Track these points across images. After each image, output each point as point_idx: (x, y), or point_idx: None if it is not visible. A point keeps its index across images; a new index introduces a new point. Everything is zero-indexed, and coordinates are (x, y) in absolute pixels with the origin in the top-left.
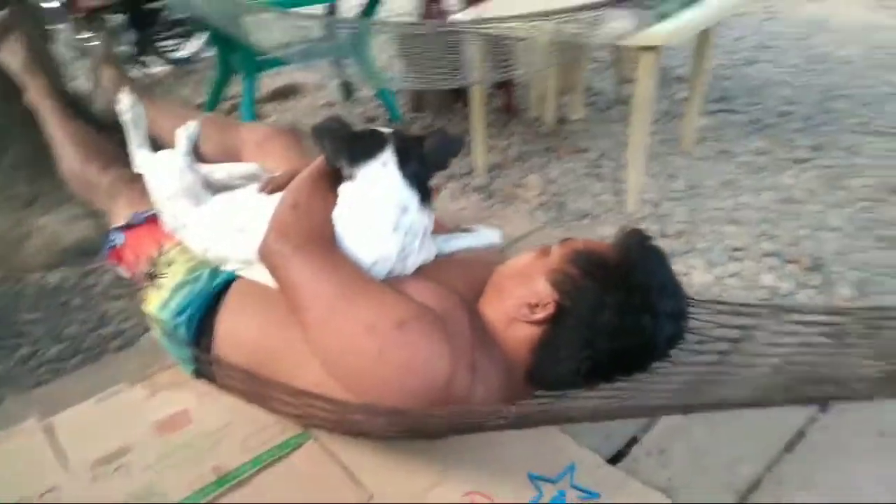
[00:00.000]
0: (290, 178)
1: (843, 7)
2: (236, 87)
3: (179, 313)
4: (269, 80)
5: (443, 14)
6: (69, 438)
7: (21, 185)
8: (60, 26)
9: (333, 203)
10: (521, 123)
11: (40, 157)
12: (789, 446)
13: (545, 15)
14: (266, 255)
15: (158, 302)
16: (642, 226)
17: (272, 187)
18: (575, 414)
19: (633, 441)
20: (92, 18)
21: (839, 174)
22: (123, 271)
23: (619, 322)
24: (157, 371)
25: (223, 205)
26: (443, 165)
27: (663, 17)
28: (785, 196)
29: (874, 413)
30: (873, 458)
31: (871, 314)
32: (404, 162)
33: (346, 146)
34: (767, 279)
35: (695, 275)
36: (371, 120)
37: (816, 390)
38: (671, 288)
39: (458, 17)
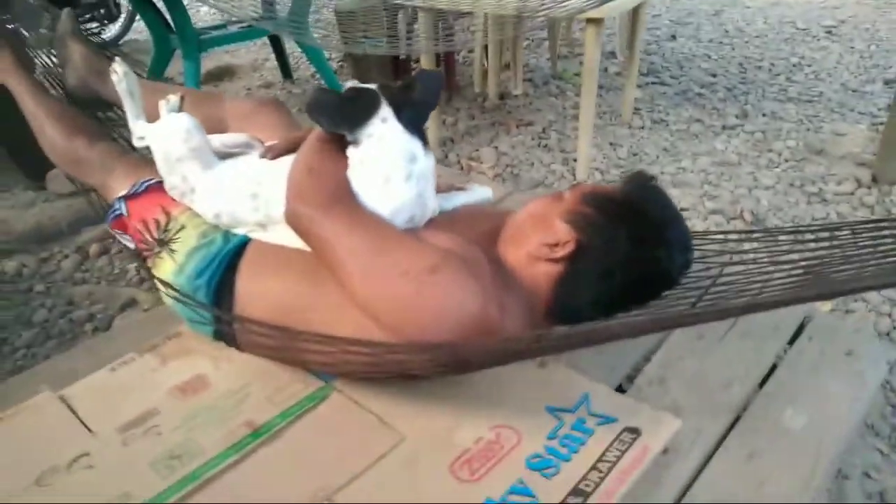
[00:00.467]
0: (291, 143)
1: None
2: (170, 68)
3: (198, 276)
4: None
5: None
6: (89, 406)
7: None
8: None
9: (345, 164)
10: (464, 99)
11: None
12: (771, 369)
13: None
14: (293, 219)
15: (173, 267)
16: None
17: (275, 153)
18: (615, 331)
19: (632, 375)
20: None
21: (765, 138)
22: (128, 241)
23: (634, 254)
24: (163, 341)
25: (231, 170)
26: (433, 104)
27: None
28: (720, 160)
29: (840, 337)
30: (844, 374)
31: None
32: (400, 112)
33: (342, 114)
34: None
35: None
36: None
37: (833, 286)
38: (678, 221)
39: None
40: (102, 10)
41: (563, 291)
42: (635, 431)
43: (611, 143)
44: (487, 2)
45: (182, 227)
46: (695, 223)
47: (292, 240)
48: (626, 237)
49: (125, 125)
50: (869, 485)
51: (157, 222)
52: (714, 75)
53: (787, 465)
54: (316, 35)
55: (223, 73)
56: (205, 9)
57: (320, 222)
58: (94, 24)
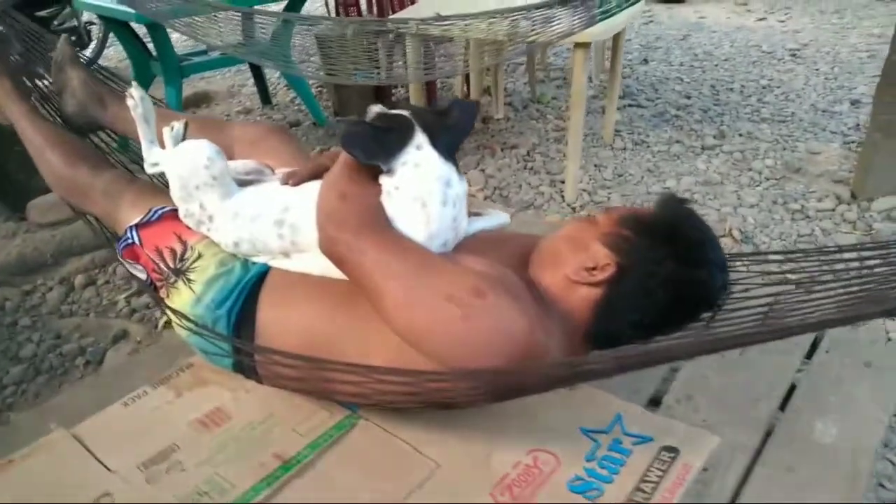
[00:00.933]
0: (315, 170)
1: (710, 10)
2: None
3: (218, 306)
4: None
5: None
6: (106, 444)
7: None
8: None
9: (377, 190)
10: None
11: None
12: (796, 381)
13: (500, 13)
14: (329, 246)
15: (190, 297)
16: (583, 213)
17: (298, 180)
18: (673, 352)
19: (658, 394)
20: None
21: (744, 158)
22: (139, 271)
23: (675, 276)
24: (175, 373)
25: (251, 197)
26: (468, 131)
27: (605, 15)
28: (703, 179)
29: (858, 348)
30: (866, 385)
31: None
32: (434, 138)
33: (378, 145)
34: None
35: None
36: (294, 125)
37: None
38: (714, 241)
39: (399, 14)
40: (73, 38)
41: (603, 315)
42: (673, 450)
43: (595, 165)
44: (478, 28)
45: (199, 256)
46: None
47: (316, 267)
48: (667, 259)
49: (121, 152)
50: (884, 494)
51: (173, 251)
52: (688, 97)
53: (826, 478)
54: (299, 64)
55: (200, 100)
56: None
57: (358, 248)
58: None
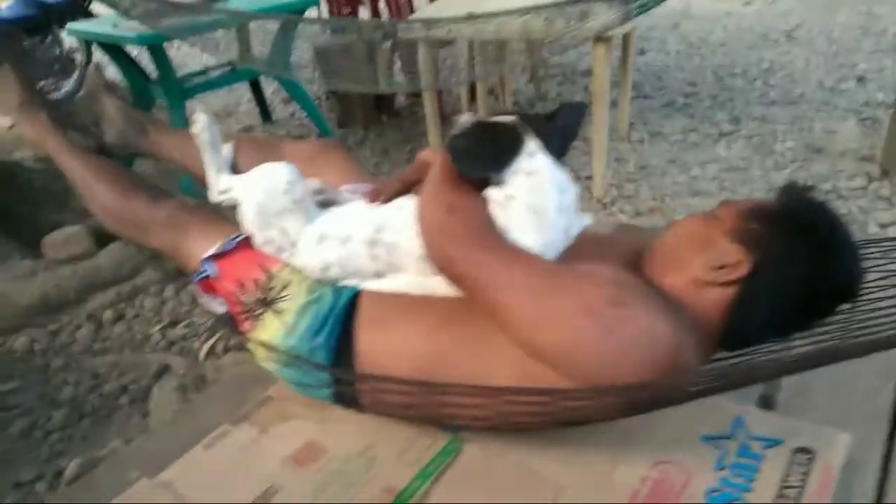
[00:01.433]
0: (402, 185)
1: None
2: None
3: (315, 335)
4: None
5: (352, 4)
6: (198, 490)
7: None
8: None
9: (482, 199)
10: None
11: None
12: None
13: (535, 10)
14: (444, 263)
15: (282, 329)
16: (614, 208)
17: (387, 197)
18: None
19: (768, 392)
20: None
21: (763, 141)
22: (219, 304)
23: (814, 268)
24: (254, 408)
25: (337, 218)
26: (576, 133)
27: (643, 9)
28: (727, 166)
29: None
30: None
31: None
32: (545, 143)
33: (490, 158)
34: None
35: None
36: (301, 138)
37: None
38: (847, 229)
39: (414, 16)
40: (57, 66)
41: (738, 316)
42: (808, 451)
43: (616, 159)
44: (513, 28)
45: (286, 284)
46: None
47: (415, 285)
48: (803, 251)
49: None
50: None
51: (257, 281)
52: (694, 84)
53: None
54: (300, 74)
55: None
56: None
57: (476, 263)
58: (50, 80)
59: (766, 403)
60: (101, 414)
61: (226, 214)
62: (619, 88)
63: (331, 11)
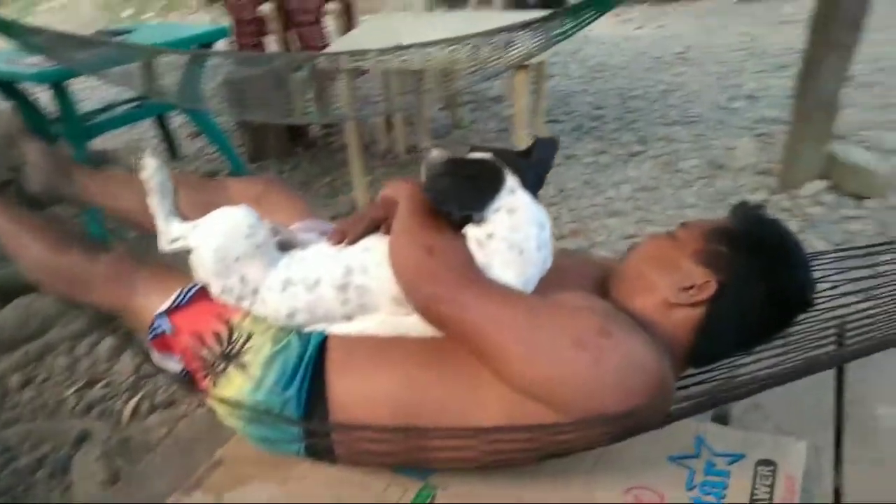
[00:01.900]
0: (367, 225)
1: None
2: None
3: (285, 388)
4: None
5: (259, 35)
6: None
7: None
8: None
9: (459, 236)
10: (374, 157)
11: None
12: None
13: (461, 40)
14: (430, 305)
15: (247, 383)
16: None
17: (352, 238)
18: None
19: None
20: None
21: (670, 161)
22: (175, 363)
23: (773, 283)
24: (205, 472)
25: (301, 262)
26: (549, 169)
27: (562, 36)
28: (638, 186)
29: None
30: None
31: None
32: (523, 180)
33: (472, 196)
34: None
35: None
36: (212, 175)
37: None
38: (797, 242)
39: (334, 47)
40: None
41: (707, 334)
42: (770, 463)
43: None
44: (439, 59)
45: (249, 335)
46: None
47: (386, 326)
48: (764, 267)
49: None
50: None
51: (217, 335)
52: (600, 108)
53: None
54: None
55: (98, 160)
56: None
57: (463, 304)
58: None
59: (722, 419)
60: (16, 492)
61: (175, 265)
62: (531, 114)
63: (239, 44)
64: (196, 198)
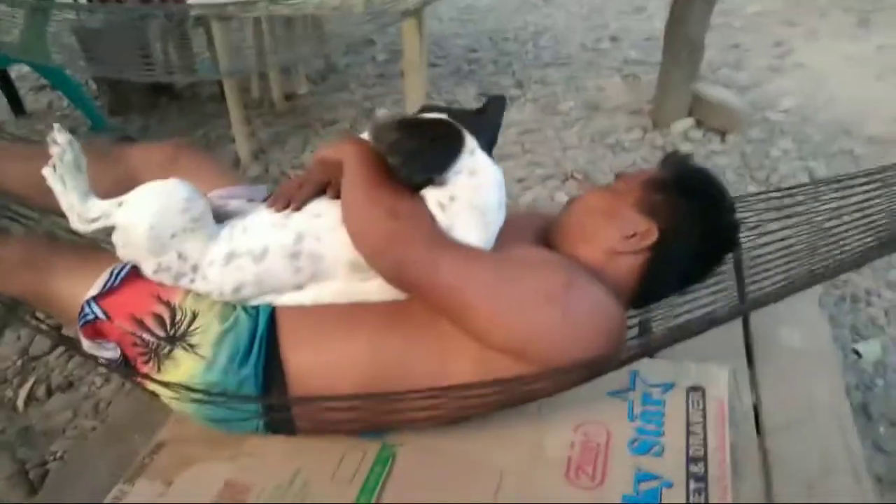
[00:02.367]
0: (312, 189)
1: None
2: None
3: (241, 366)
4: None
5: None
6: None
7: None
8: None
9: (420, 200)
10: (246, 106)
11: None
12: None
13: None
14: (399, 270)
15: (199, 364)
16: None
17: (298, 203)
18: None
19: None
20: None
21: (548, 103)
22: (111, 350)
23: (708, 226)
24: (148, 458)
25: (244, 232)
26: (499, 127)
27: None
28: (523, 129)
29: None
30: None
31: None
32: (480, 139)
33: (434, 159)
34: (561, 196)
35: None
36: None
37: None
38: (724, 187)
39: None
40: None
41: (651, 278)
42: (698, 389)
43: None
44: (334, 4)
45: (195, 314)
46: (538, 191)
47: (342, 294)
48: (699, 212)
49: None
50: None
51: (158, 316)
52: (475, 50)
53: (818, 375)
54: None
55: None
56: None
57: (434, 267)
58: None
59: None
60: None
61: (95, 244)
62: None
63: None
64: (99, 171)
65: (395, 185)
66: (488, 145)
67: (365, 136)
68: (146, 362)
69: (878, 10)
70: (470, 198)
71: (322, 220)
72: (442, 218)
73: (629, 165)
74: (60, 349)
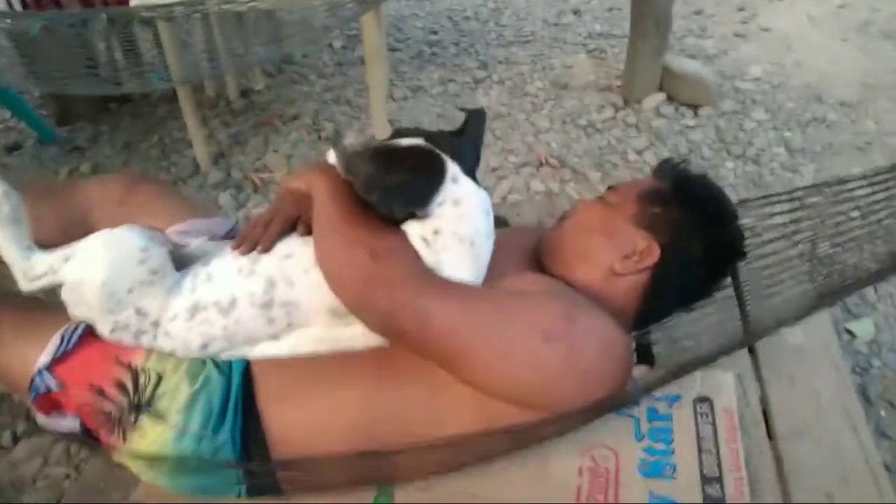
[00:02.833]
0: (281, 228)
1: None
2: None
3: (216, 431)
4: None
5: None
6: None
7: None
8: None
9: (402, 235)
10: (204, 106)
11: None
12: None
13: None
14: (385, 317)
15: (169, 434)
16: None
17: (266, 244)
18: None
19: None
20: None
21: (516, 84)
22: (70, 421)
23: (710, 238)
24: None
25: (209, 281)
26: (482, 143)
27: None
28: (492, 114)
29: None
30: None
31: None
32: (462, 163)
33: (419, 194)
34: (537, 185)
35: None
36: (14, 148)
37: None
38: (723, 193)
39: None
40: None
41: (654, 298)
42: (705, 400)
43: (389, 121)
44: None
45: (159, 377)
46: (512, 180)
47: (324, 342)
48: (701, 225)
49: None
50: None
51: (119, 382)
52: (435, 33)
53: (819, 374)
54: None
55: None
56: None
57: (423, 311)
58: None
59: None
60: None
61: (44, 304)
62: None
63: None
64: (46, 213)
65: (372, 221)
66: (472, 167)
67: (331, 159)
68: (109, 433)
69: None
70: (455, 229)
71: (294, 260)
72: (427, 254)
73: (604, 146)
74: None
